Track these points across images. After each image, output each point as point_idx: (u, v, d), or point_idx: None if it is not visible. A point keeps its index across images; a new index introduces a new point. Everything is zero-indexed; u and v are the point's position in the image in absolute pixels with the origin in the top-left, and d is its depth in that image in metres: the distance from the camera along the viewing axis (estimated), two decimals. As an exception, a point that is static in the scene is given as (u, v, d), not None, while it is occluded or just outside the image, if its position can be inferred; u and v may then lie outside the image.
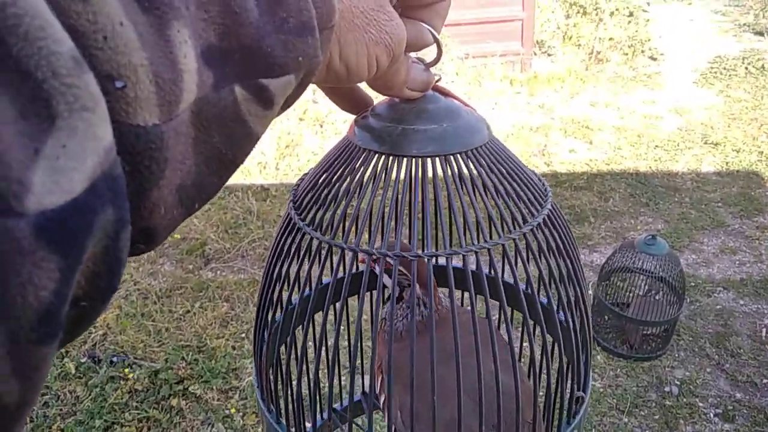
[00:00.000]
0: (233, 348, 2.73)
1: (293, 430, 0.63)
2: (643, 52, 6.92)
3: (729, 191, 4.14)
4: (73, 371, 2.55)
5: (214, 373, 2.57)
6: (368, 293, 0.81)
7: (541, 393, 0.60)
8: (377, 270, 0.58)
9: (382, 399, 0.71)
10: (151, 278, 3.20)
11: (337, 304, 0.60)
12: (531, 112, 5.44)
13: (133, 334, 2.78)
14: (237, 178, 4.14)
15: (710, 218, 3.82)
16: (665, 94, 5.86)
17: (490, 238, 0.54)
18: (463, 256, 0.53)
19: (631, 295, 2.80)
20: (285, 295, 0.63)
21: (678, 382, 2.58)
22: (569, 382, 0.62)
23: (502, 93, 5.78)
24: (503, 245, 0.54)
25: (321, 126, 4.86)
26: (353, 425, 0.81)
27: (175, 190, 0.27)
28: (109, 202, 0.21)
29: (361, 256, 0.55)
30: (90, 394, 2.46)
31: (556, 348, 0.64)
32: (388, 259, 0.54)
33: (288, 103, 0.35)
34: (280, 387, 0.66)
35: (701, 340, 2.81)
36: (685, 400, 2.49)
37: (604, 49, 6.73)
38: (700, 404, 2.48)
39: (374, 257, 0.54)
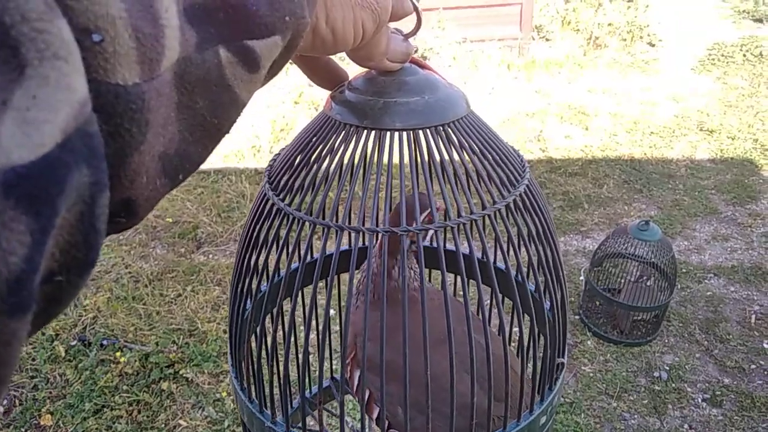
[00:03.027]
0: (224, 332, 2.73)
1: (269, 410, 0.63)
2: (641, 38, 6.88)
3: (723, 178, 4.14)
4: (63, 354, 2.55)
5: (205, 357, 2.58)
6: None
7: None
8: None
9: (364, 394, 0.71)
10: (143, 261, 3.20)
11: (327, 282, 0.59)
12: (528, 98, 5.42)
13: (124, 317, 2.78)
14: (230, 162, 4.13)
15: (703, 205, 3.81)
16: (662, 81, 5.83)
17: (481, 209, 0.53)
18: (438, 232, 0.53)
19: (622, 281, 2.80)
20: (265, 274, 0.62)
21: (667, 368, 2.59)
22: (548, 351, 0.63)
23: (500, 78, 5.75)
24: (489, 215, 0.54)
25: (316, 110, 4.84)
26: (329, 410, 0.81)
27: (157, 157, 0.25)
28: (83, 161, 0.20)
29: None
30: (80, 377, 2.46)
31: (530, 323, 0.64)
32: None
33: (274, 69, 0.33)
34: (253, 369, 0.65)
35: (691, 326, 2.81)
36: (673, 385, 2.50)
37: (602, 35, 6.69)
38: (689, 389, 2.49)
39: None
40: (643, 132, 4.81)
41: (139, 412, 2.35)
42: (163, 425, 2.30)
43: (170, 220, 3.52)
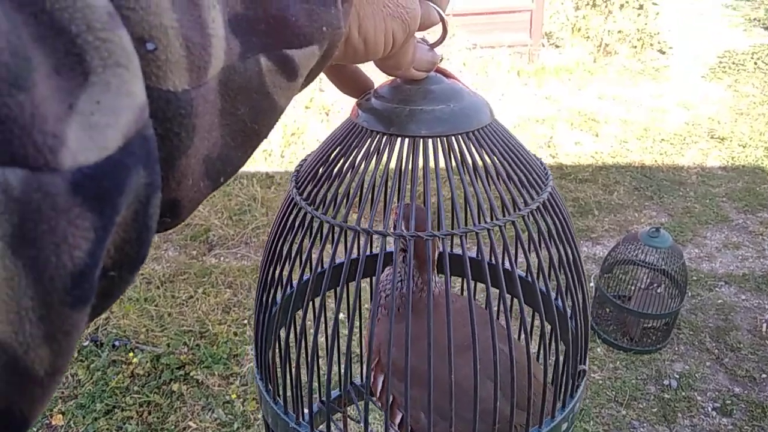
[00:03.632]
0: (235, 334, 2.74)
1: (292, 412, 0.63)
2: (651, 45, 6.87)
3: (734, 186, 4.13)
4: (76, 354, 2.57)
5: (215, 359, 2.59)
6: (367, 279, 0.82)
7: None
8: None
9: (388, 399, 0.71)
10: (155, 263, 3.22)
11: (338, 289, 0.59)
12: (538, 104, 5.42)
13: (136, 318, 2.80)
14: (241, 166, 4.15)
15: (714, 213, 3.80)
16: (673, 88, 5.82)
17: (502, 215, 0.54)
18: (463, 237, 0.53)
19: (632, 287, 2.80)
20: (287, 278, 0.63)
21: (677, 376, 2.58)
22: (569, 359, 0.63)
23: (510, 84, 5.76)
24: (513, 222, 0.54)
25: (327, 114, 4.86)
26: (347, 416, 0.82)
27: (202, 160, 0.27)
28: (141, 163, 0.21)
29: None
30: (91, 378, 2.48)
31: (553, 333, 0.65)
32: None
33: (310, 77, 0.34)
34: (279, 370, 0.66)
35: (701, 334, 2.81)
36: (683, 393, 2.50)
37: (612, 42, 6.68)
38: (699, 398, 2.48)
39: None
40: (653, 139, 4.80)
41: (150, 413, 2.37)
42: (173, 427, 2.31)
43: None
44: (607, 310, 2.83)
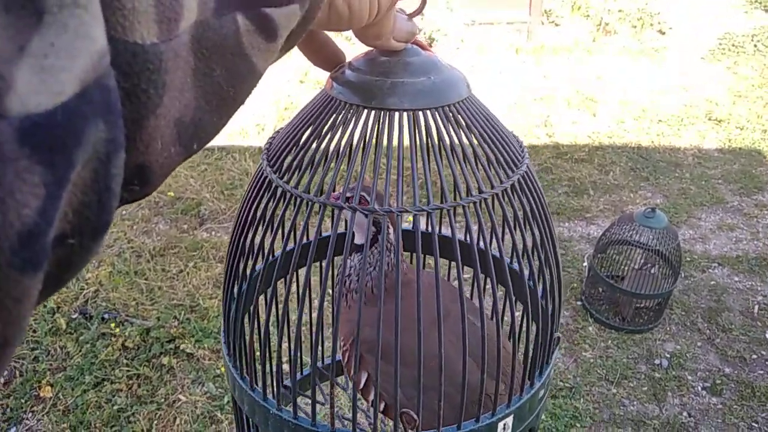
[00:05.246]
0: (225, 308, 2.73)
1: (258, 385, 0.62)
2: (651, 25, 6.81)
3: (730, 168, 4.11)
4: (64, 327, 2.56)
5: (206, 333, 2.58)
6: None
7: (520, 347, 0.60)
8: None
9: (363, 378, 0.70)
10: (145, 236, 3.20)
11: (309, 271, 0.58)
12: (535, 82, 5.37)
13: (126, 291, 2.78)
14: (234, 140, 4.11)
15: (710, 194, 3.79)
16: (672, 69, 5.78)
17: (478, 192, 0.53)
18: (451, 213, 0.53)
19: (626, 268, 2.79)
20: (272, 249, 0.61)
21: (668, 355, 2.58)
22: (546, 332, 0.63)
23: (508, 62, 5.71)
24: (497, 194, 0.54)
25: (322, 89, 4.81)
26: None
27: (173, 123, 0.25)
28: (100, 115, 0.19)
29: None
30: (81, 350, 2.47)
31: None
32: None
33: (291, 41, 0.33)
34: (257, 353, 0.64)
35: (693, 315, 2.81)
36: (674, 372, 2.50)
37: (612, 21, 6.63)
38: (689, 377, 2.49)
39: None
40: (651, 120, 4.77)
41: (139, 386, 2.36)
42: (162, 399, 2.31)
43: (172, 194, 3.51)
44: (600, 289, 2.83)
